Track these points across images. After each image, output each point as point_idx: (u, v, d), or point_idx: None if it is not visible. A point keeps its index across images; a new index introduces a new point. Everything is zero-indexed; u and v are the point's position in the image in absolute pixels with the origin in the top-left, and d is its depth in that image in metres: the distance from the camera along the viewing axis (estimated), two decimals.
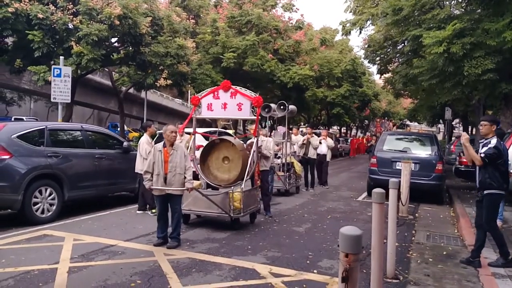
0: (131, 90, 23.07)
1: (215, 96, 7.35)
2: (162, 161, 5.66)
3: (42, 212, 7.06)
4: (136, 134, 28.35)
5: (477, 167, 5.21)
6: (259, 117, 7.39)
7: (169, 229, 5.82)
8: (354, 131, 57.54)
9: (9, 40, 16.02)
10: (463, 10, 11.39)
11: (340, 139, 33.34)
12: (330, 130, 33.85)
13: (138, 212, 7.90)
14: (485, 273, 4.85)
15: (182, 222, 6.23)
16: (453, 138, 27.06)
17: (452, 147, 19.89)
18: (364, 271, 4.70)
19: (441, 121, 34.10)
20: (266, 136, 8.90)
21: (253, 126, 7.73)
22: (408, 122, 57.26)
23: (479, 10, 10.54)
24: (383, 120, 41.63)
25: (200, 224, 7.23)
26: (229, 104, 7.25)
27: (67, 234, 6.22)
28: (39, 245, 5.64)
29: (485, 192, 5.08)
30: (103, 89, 31.62)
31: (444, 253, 5.84)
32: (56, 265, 4.83)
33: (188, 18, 20.09)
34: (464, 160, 12.83)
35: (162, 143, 5.81)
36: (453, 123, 35.68)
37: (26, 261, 4.95)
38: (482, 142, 5.21)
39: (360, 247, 2.08)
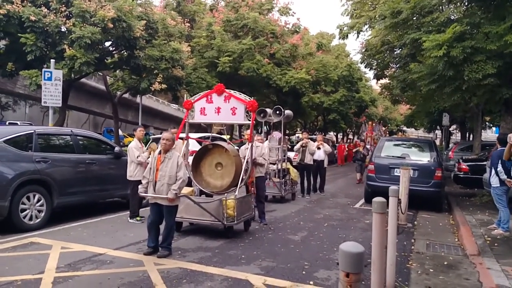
0: (126, 95, 22.82)
1: (208, 100, 7.16)
2: (154, 168, 5.55)
3: (30, 219, 6.82)
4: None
5: None
6: (254, 122, 7.19)
7: (160, 237, 5.61)
8: (350, 136, 57.25)
9: (1, 43, 15.74)
10: (461, 14, 11.22)
11: (337, 145, 33.17)
12: (327, 136, 33.68)
13: (130, 220, 7.64)
14: (489, 285, 4.64)
15: (175, 231, 6.00)
16: (451, 145, 26.97)
17: (450, 153, 19.74)
18: (363, 282, 4.48)
19: (438, 127, 33.98)
20: (262, 142, 8.67)
21: (249, 131, 7.52)
22: (405, 128, 57.16)
23: (479, 13, 10.39)
24: (375, 124, 41.32)
25: (192, 231, 6.99)
26: (222, 108, 7.06)
27: (55, 242, 6.00)
28: (25, 254, 5.42)
29: None
30: (98, 94, 31.33)
31: (445, 263, 5.63)
32: (41, 275, 4.62)
33: (183, 22, 19.87)
34: (464, 166, 12.69)
35: (159, 149, 5.75)
36: (451, 129, 35.57)
37: (10, 270, 4.74)
38: None
39: (362, 265, 1.84)
